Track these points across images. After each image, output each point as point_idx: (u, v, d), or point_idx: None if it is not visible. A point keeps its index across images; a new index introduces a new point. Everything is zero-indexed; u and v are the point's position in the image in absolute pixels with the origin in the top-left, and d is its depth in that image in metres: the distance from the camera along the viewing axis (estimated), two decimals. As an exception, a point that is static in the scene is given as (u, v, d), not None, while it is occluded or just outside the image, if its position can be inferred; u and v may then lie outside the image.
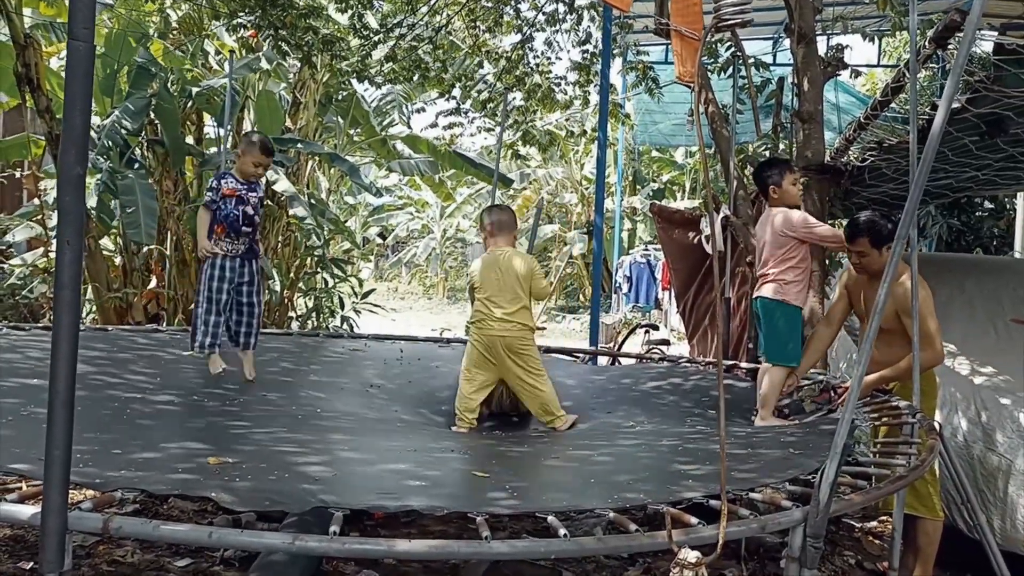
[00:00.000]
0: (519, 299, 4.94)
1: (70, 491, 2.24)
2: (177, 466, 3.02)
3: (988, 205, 9.65)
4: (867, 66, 13.75)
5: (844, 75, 6.91)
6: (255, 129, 10.65)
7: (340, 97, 11.71)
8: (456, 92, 10.44)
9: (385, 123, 13.64)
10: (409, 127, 14.64)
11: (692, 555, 2.35)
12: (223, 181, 4.91)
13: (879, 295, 2.67)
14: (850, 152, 6.39)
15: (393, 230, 31.38)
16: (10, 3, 7.99)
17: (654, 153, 25.44)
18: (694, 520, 2.54)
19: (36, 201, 9.87)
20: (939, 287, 5.71)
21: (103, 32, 9.34)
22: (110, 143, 8.87)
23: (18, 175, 10.72)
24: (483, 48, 10.42)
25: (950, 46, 5.06)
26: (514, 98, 10.39)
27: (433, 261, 29.84)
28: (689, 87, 4.36)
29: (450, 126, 11.10)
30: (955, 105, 4.57)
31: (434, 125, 11.29)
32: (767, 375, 4.71)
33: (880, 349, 4.22)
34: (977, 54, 4.87)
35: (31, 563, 3.94)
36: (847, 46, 6.85)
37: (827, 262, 6.14)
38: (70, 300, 2.08)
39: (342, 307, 11.16)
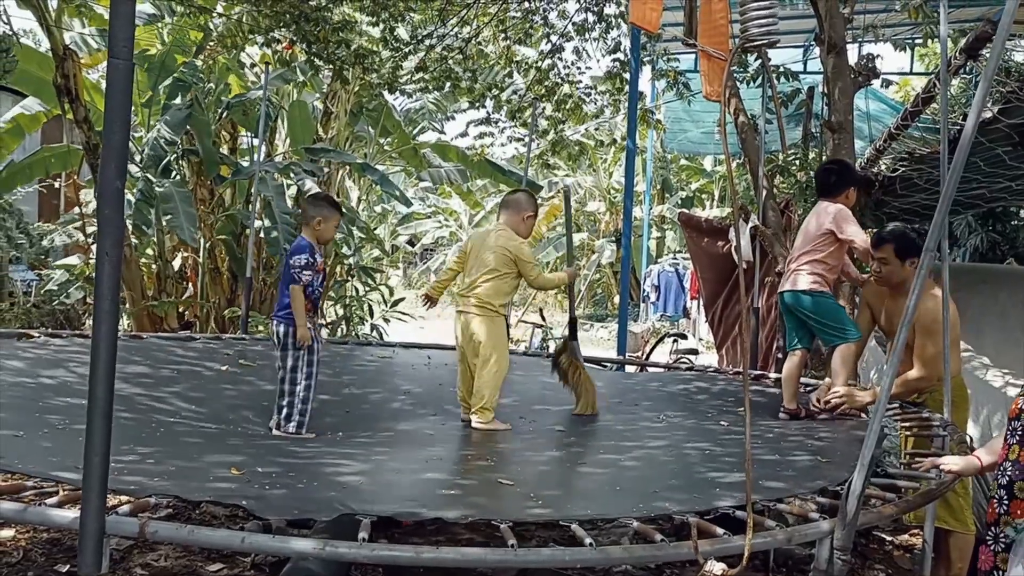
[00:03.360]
0: (485, 273, 4.61)
1: (107, 498, 2.30)
2: (209, 474, 3.08)
3: (1024, 215, 9.52)
4: (899, 73, 13.60)
5: (876, 83, 6.85)
6: (290, 150, 10.80)
7: (371, 107, 11.82)
8: (488, 104, 10.47)
9: (415, 131, 13.72)
10: (443, 132, 14.67)
11: (718, 567, 2.36)
12: (316, 256, 4.44)
13: (908, 305, 2.62)
14: (881, 162, 6.36)
15: (421, 238, 31.45)
16: (50, 17, 8.19)
17: (683, 161, 25.34)
18: (720, 531, 2.55)
19: (77, 210, 10.09)
20: (972, 298, 5.64)
21: (147, 53, 9.54)
22: (151, 153, 9.08)
23: (56, 185, 10.95)
24: (513, 59, 10.46)
25: (981, 56, 5.03)
26: (543, 107, 10.40)
27: (461, 269, 29.79)
28: (718, 103, 4.39)
29: (480, 136, 11.13)
30: (987, 115, 4.54)
31: (464, 134, 11.31)
32: (837, 353, 4.63)
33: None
34: (1010, 64, 4.84)
35: (68, 566, 4.02)
36: (878, 55, 6.81)
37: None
38: (109, 310, 2.13)
39: (371, 315, 11.21)
